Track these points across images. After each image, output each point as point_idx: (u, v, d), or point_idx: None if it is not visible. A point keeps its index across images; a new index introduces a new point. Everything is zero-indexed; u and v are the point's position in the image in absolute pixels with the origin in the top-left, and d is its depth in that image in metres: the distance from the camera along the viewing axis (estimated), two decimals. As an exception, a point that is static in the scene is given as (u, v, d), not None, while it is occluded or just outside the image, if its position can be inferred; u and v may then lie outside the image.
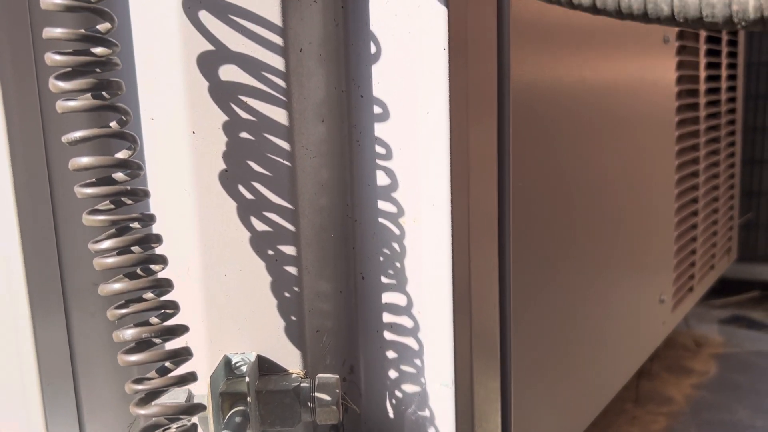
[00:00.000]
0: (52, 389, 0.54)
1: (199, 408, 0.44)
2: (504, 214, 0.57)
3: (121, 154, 0.46)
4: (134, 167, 0.44)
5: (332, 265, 0.57)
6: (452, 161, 0.51)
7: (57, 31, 0.42)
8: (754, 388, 1.29)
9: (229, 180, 0.52)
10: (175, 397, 0.52)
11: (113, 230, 0.45)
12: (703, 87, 1.15)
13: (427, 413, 0.56)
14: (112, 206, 0.45)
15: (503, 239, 0.58)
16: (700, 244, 1.20)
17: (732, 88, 1.37)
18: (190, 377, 0.44)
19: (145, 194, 0.45)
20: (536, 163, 0.63)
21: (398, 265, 0.56)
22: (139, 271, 0.46)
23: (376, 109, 0.54)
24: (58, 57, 0.42)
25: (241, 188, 0.52)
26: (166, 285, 0.45)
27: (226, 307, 0.54)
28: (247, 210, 0.52)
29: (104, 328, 0.56)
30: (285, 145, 0.52)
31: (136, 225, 0.46)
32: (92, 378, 0.56)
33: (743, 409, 1.21)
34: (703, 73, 1.15)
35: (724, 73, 1.29)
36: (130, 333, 0.43)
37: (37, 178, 0.52)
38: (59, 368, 0.54)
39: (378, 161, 0.55)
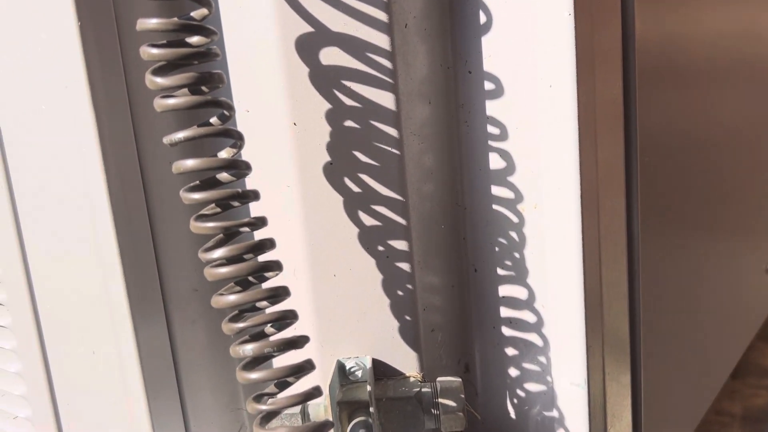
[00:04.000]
0: (158, 402, 0.51)
1: (328, 426, 0.40)
2: (632, 191, 0.52)
3: (225, 153, 0.42)
4: (242, 167, 0.40)
5: (443, 258, 0.52)
6: (581, 138, 0.46)
7: (152, 22, 0.38)
8: None
9: (335, 173, 0.48)
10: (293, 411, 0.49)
11: (221, 236, 0.42)
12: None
13: (555, 413, 0.52)
14: (219, 209, 0.41)
15: (632, 223, 0.52)
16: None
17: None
18: (316, 393, 0.40)
19: (256, 196, 0.41)
20: (661, 130, 0.57)
21: (516, 255, 0.51)
22: (251, 278, 0.43)
23: (488, 85, 0.49)
24: (155, 50, 0.38)
25: (347, 181, 0.48)
26: (283, 293, 0.41)
27: (337, 308, 0.50)
28: (354, 204, 0.48)
29: (206, 336, 0.53)
30: (392, 131, 0.47)
31: (245, 228, 0.42)
32: (197, 388, 0.53)
33: None
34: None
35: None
36: (250, 348, 0.39)
37: (130, 183, 0.48)
38: (164, 379, 0.51)
39: (491, 143, 0.50)
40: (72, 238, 0.51)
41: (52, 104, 0.47)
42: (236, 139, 0.41)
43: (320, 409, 0.48)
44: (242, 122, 0.49)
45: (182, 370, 0.52)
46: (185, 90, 0.40)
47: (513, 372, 0.54)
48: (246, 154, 0.49)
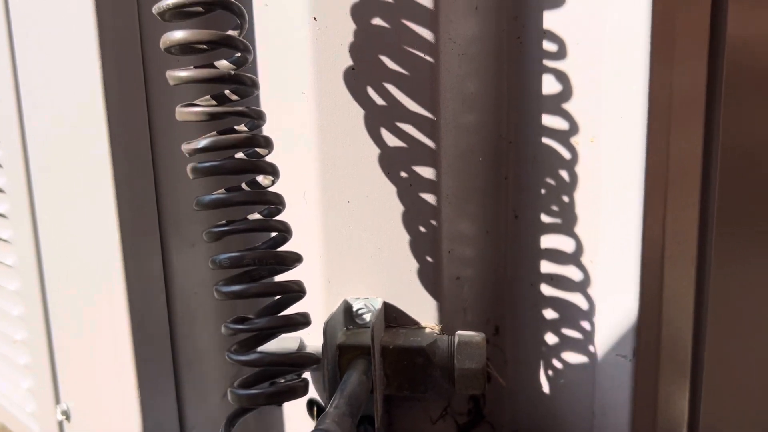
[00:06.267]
0: (144, 333, 0.46)
1: (311, 360, 0.34)
2: (713, 123, 0.43)
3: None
4: (241, 47, 0.34)
5: (478, 198, 0.45)
6: (653, 53, 0.38)
7: None
8: None
9: (357, 80, 0.41)
10: (284, 347, 0.43)
11: (214, 133, 0.36)
12: None
13: (595, 389, 0.44)
14: (214, 102, 0.36)
15: (709, 164, 0.43)
16: None
17: None
18: (302, 319, 0.34)
19: (254, 84, 0.35)
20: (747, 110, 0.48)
21: (565, 199, 0.43)
22: (244, 185, 0.37)
23: (547, -7, 0.42)
24: None
25: (370, 91, 0.41)
26: (276, 201, 0.35)
27: (349, 241, 0.43)
28: (376, 119, 0.42)
29: (206, 263, 0.48)
30: (427, 34, 0.40)
31: (241, 127, 0.36)
32: (191, 321, 0.48)
33: None
34: None
35: None
36: (227, 258, 0.33)
37: (130, 86, 0.43)
38: (153, 307, 0.46)
39: (545, 62, 0.42)
40: (65, 137, 0.47)
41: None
42: (239, 17, 0.35)
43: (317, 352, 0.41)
44: (259, 17, 0.43)
45: (176, 297, 0.47)
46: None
47: (550, 338, 0.46)
48: (260, 55, 0.43)
